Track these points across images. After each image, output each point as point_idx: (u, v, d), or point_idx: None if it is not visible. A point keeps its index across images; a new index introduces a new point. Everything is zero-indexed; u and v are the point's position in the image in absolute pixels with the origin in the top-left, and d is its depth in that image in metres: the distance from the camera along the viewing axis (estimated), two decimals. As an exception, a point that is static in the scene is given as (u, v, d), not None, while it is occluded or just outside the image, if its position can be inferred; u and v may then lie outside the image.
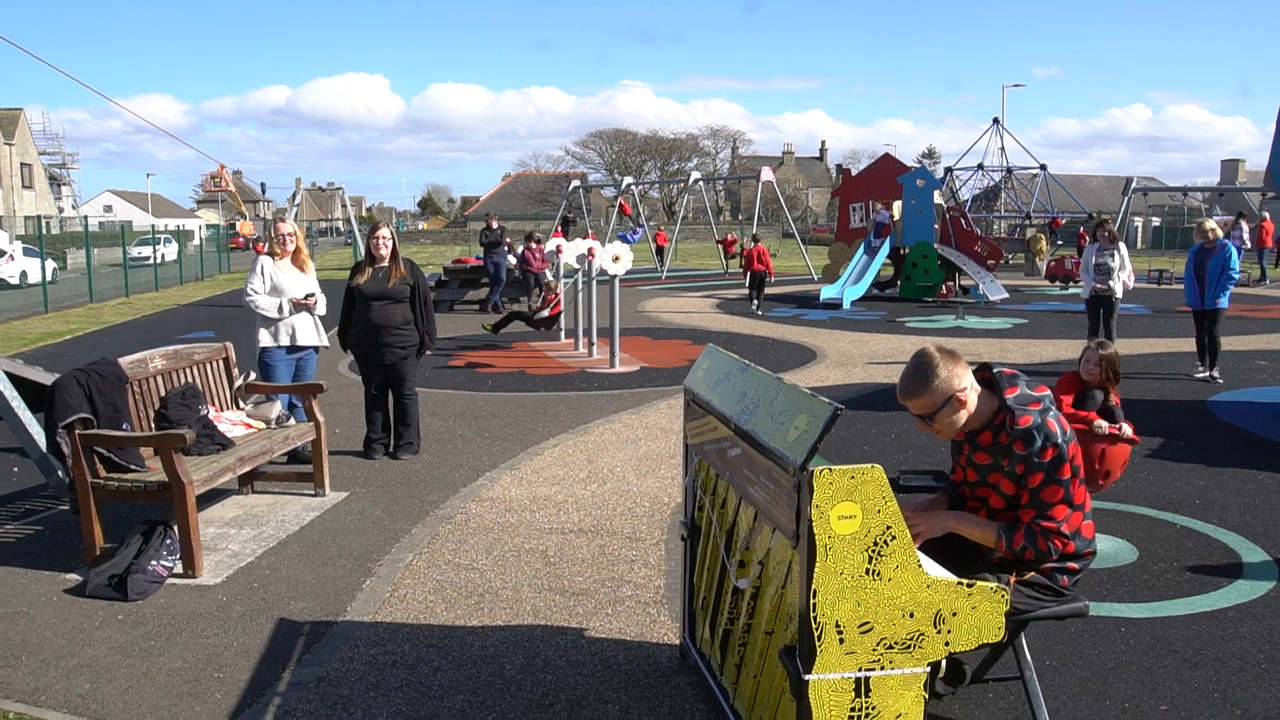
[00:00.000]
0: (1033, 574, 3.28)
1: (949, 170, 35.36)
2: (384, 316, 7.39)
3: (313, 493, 6.69)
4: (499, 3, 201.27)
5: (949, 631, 2.68)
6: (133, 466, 5.38)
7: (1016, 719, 3.58)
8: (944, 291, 20.49)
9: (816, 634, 2.60)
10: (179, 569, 5.17)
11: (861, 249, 21.48)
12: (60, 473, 5.70)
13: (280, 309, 7.08)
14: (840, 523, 2.55)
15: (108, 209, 69.22)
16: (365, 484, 7.01)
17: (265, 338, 7.13)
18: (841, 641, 2.61)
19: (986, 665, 3.76)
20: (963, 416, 3.19)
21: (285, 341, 7.16)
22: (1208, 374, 10.91)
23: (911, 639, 2.66)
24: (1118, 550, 5.44)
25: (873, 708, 2.65)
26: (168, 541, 5.17)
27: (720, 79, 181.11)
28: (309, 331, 7.27)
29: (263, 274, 7.14)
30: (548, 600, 4.85)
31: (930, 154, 79.75)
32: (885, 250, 21.24)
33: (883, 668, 2.65)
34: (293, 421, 6.73)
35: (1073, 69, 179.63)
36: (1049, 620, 3.39)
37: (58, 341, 16.19)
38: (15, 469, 7.51)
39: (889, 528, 2.59)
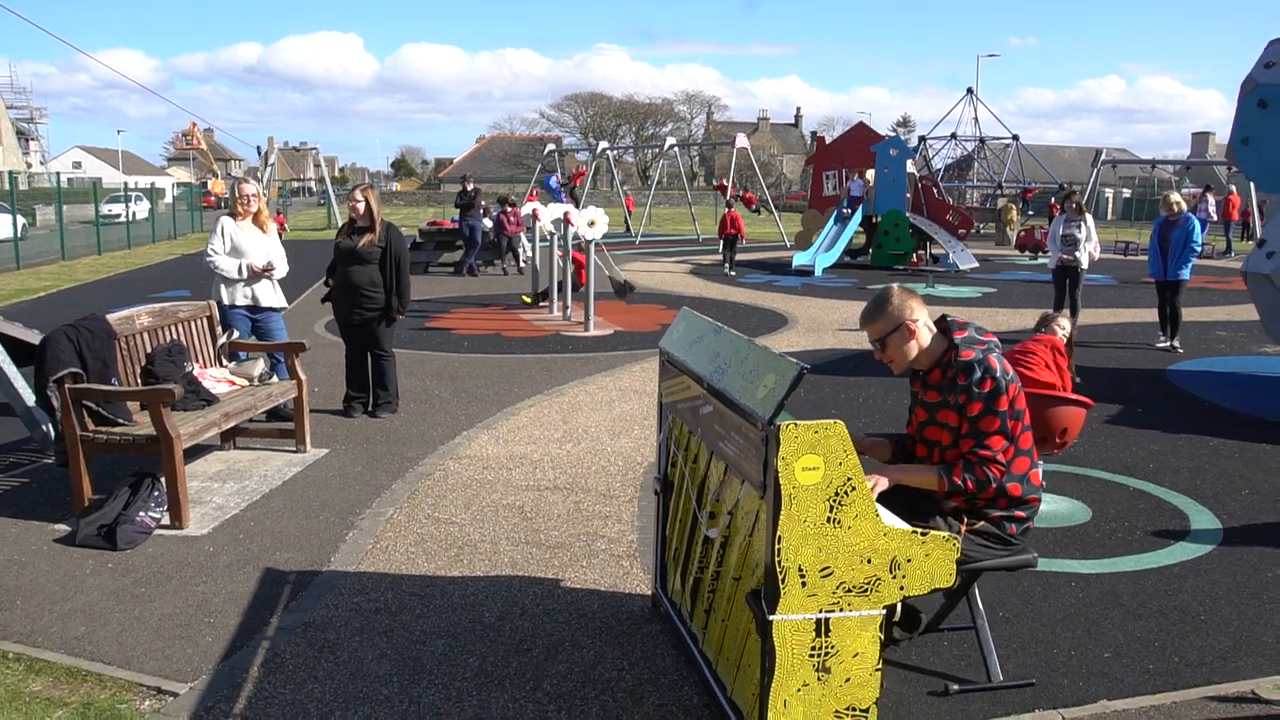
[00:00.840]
0: (982, 523, 3.50)
1: (923, 139, 35.57)
2: (354, 277, 7.50)
3: (294, 449, 6.83)
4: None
5: (904, 577, 2.88)
6: (120, 420, 5.49)
7: (969, 665, 3.80)
8: (915, 260, 20.74)
9: (780, 577, 2.79)
10: (166, 520, 5.31)
11: (834, 217, 21.67)
12: (47, 426, 5.81)
13: (240, 270, 7.17)
14: (804, 474, 2.74)
15: (77, 165, 68.19)
16: (345, 441, 7.15)
17: (225, 296, 7.21)
18: (804, 585, 2.81)
19: (942, 615, 3.99)
20: (913, 348, 3.53)
21: (240, 302, 7.26)
22: (1169, 344, 11.22)
23: (869, 583, 2.86)
24: (1072, 510, 5.69)
25: (832, 646, 2.86)
26: (155, 493, 5.30)
27: (696, 44, 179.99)
28: (268, 294, 7.37)
29: (223, 234, 7.22)
30: (525, 553, 5.04)
31: (905, 122, 79.80)
32: (858, 218, 21.45)
33: (841, 610, 2.85)
34: (275, 379, 6.84)
35: (1048, 39, 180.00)
36: (1000, 571, 3.62)
37: (32, 298, 16.13)
38: (-4, 424, 7.59)
39: (849, 479, 2.78)
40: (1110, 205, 50.15)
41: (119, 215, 32.43)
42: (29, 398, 6.09)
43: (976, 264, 20.76)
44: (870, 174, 21.83)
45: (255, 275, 7.21)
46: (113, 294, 16.48)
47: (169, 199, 44.65)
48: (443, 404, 8.40)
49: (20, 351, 7.08)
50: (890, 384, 9.08)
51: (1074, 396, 5.72)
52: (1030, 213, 32.94)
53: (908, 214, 20.95)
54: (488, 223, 20.84)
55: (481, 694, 3.63)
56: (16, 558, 4.93)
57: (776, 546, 2.77)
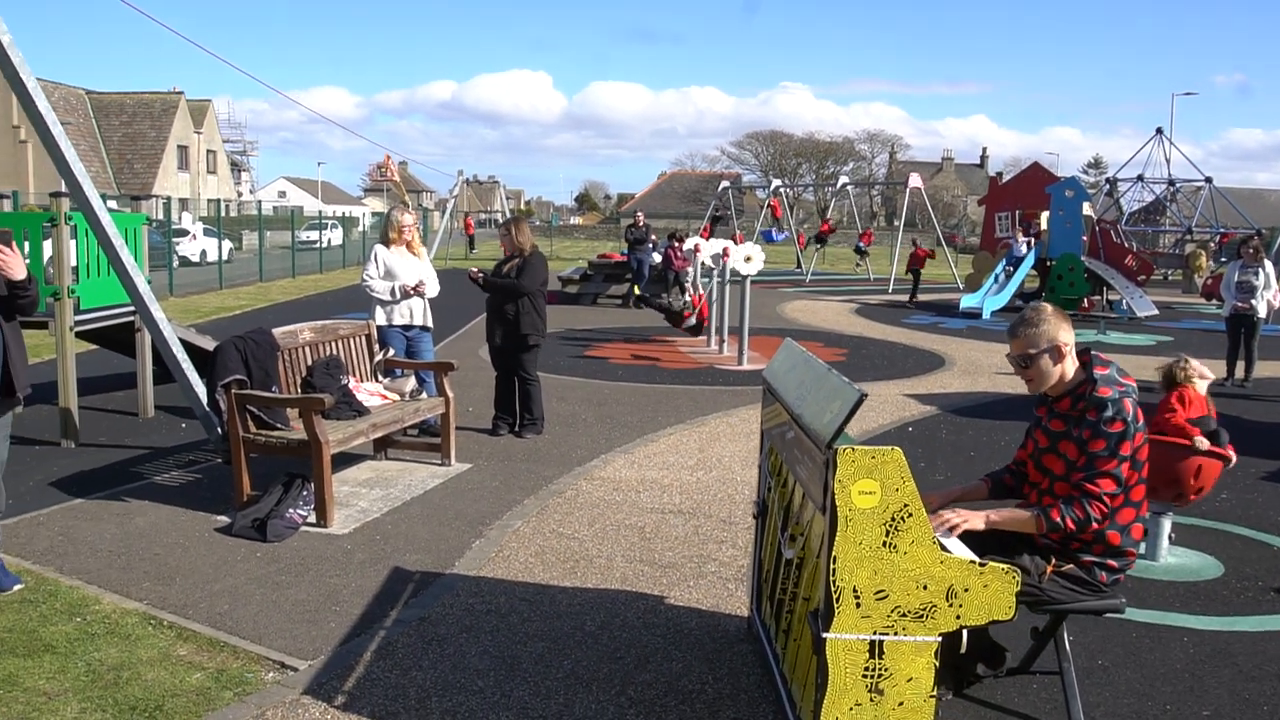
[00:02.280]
0: (1071, 566, 3.46)
1: (1111, 181, 34.01)
2: (494, 305, 7.97)
3: (439, 462, 7.27)
4: (657, 5, 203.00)
5: (960, 606, 2.92)
6: (278, 425, 6.03)
7: (1054, 709, 3.75)
8: (1086, 305, 19.90)
9: (835, 596, 2.89)
10: (312, 518, 5.79)
11: (1005, 259, 21.07)
12: (217, 427, 6.42)
13: (393, 292, 7.69)
14: (860, 497, 2.83)
15: (282, 194, 73.64)
16: (489, 458, 7.55)
17: (381, 317, 7.75)
18: (858, 605, 2.90)
19: (1032, 656, 3.93)
20: (1056, 371, 3.49)
21: (399, 322, 7.78)
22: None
23: (924, 609, 2.91)
24: (1203, 565, 5.44)
25: (885, 669, 2.92)
26: (304, 493, 5.79)
27: (882, 82, 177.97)
28: (420, 313, 7.88)
29: (376, 260, 7.78)
30: (636, 570, 5.23)
31: (1096, 163, 76.46)
32: (1030, 261, 20.78)
33: (896, 633, 2.92)
34: (424, 395, 7.32)
35: (1257, 75, 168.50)
36: (1088, 615, 3.56)
37: (229, 315, 17.60)
38: (183, 425, 8.39)
39: (906, 505, 2.85)
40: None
41: (314, 241, 34.92)
42: (206, 401, 6.75)
43: (1155, 311, 19.75)
44: (1044, 216, 21.14)
45: (407, 295, 7.73)
46: (300, 313, 17.74)
47: (362, 227, 47.64)
48: (586, 428, 8.72)
49: (201, 360, 7.82)
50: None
51: (1211, 448, 5.47)
52: (1224, 259, 30.93)
53: (1083, 258, 20.15)
54: (656, 257, 21.32)
55: (568, 694, 3.84)
56: (181, 542, 5.49)
57: (832, 566, 2.87)
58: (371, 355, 7.39)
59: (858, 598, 2.89)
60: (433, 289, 7.95)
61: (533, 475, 7.08)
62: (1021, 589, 3.37)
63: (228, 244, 33.15)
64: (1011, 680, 3.95)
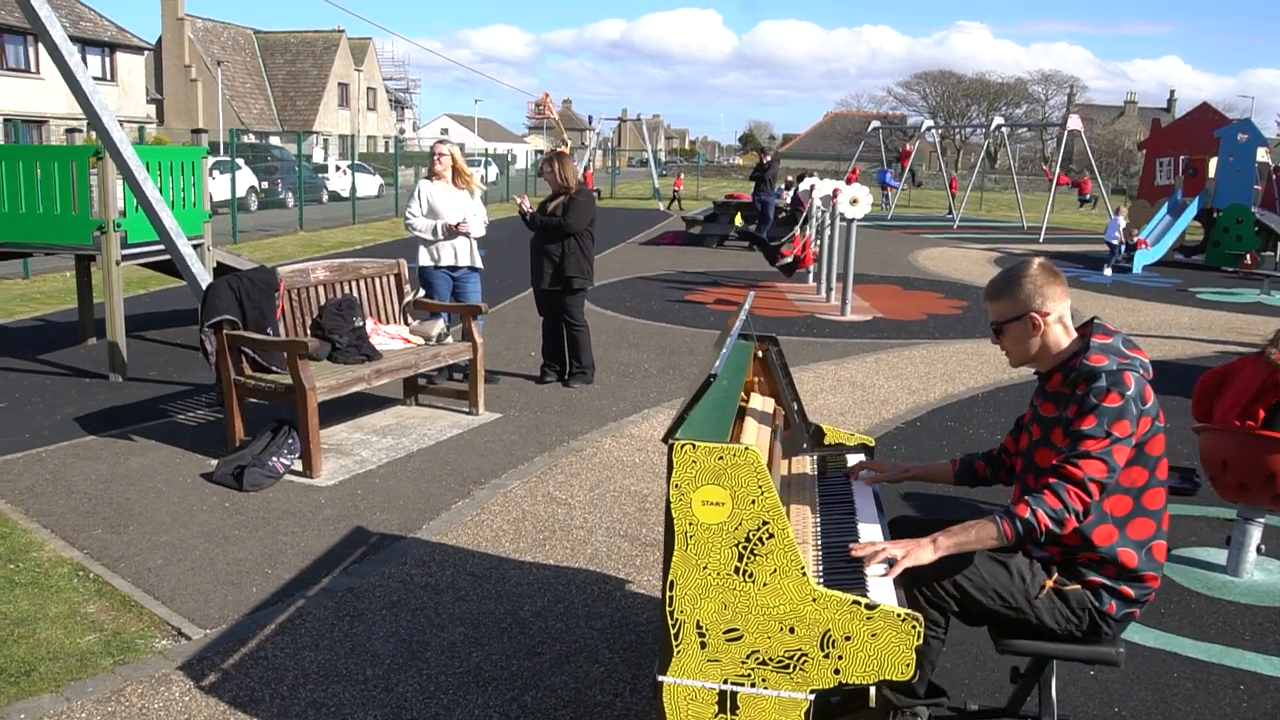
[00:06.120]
0: (1076, 587, 2.73)
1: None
2: (539, 245, 7.47)
3: (467, 411, 6.90)
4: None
5: (840, 659, 2.27)
6: (274, 369, 5.76)
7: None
8: (1249, 261, 17.75)
9: (674, 631, 2.29)
10: (298, 467, 5.51)
11: (1164, 208, 19.06)
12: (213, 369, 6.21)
13: (435, 232, 7.27)
14: (705, 509, 2.22)
15: (444, 131, 74.97)
16: (522, 408, 7.13)
17: (424, 257, 7.37)
18: (703, 646, 2.29)
19: (1017, 699, 3.21)
20: (1035, 343, 2.82)
21: (444, 261, 7.37)
22: None
23: (791, 658, 2.28)
24: (1291, 585, 4.48)
25: (740, 726, 2.31)
26: (289, 441, 5.51)
27: (1065, 22, 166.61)
28: (465, 252, 7.44)
29: (419, 197, 7.36)
30: (613, 546, 4.71)
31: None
32: (1192, 211, 18.71)
33: (754, 685, 2.30)
34: (450, 340, 6.93)
35: None
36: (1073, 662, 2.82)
37: (349, 249, 17.80)
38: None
39: (766, 524, 2.22)
40: None
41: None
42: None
43: (1339, 272, 17.45)
44: (1212, 163, 18.95)
45: (451, 234, 7.32)
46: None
47: (521, 164, 47.94)
48: (643, 379, 8.19)
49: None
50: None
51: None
52: None
53: (1254, 209, 17.99)
54: (788, 197, 20.37)
55: (456, 694, 3.39)
56: (158, 486, 5.30)
57: (669, 594, 2.27)
58: (400, 295, 7.04)
59: (702, 636, 2.29)
60: (478, 227, 7.52)
61: (558, 429, 6.62)
62: (999, 602, 2.68)
63: (378, 180, 33.85)
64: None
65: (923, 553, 2.59)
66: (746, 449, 2.20)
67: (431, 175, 7.46)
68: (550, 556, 4.58)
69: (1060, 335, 2.81)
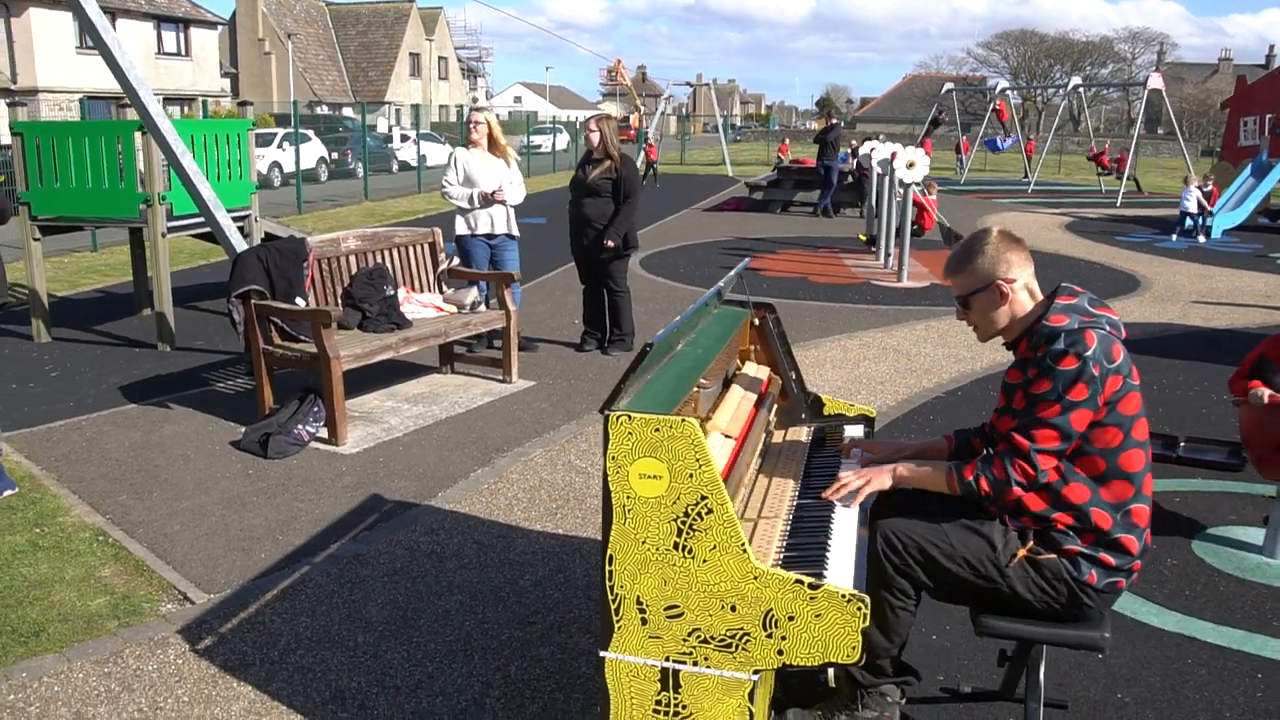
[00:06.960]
0: (1052, 556, 2.61)
1: None
2: (584, 210, 7.40)
3: (501, 379, 6.91)
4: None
5: (783, 639, 2.20)
6: (302, 338, 5.82)
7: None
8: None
9: (614, 606, 2.24)
10: (324, 435, 5.57)
11: (1248, 170, 18.15)
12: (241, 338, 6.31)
13: (471, 200, 7.25)
14: (641, 482, 2.16)
15: (517, 99, 75.26)
16: (558, 376, 7.12)
17: (461, 225, 7.36)
18: (644, 622, 2.24)
19: (1009, 682, 3.10)
20: (1003, 316, 2.73)
21: (481, 230, 7.34)
22: None
23: (733, 637, 2.22)
24: (1330, 564, 4.24)
25: (683, 706, 2.27)
26: (314, 409, 5.57)
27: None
28: (502, 220, 7.40)
29: (455, 165, 7.34)
30: (625, 517, 4.67)
31: None
32: (1278, 173, 17.76)
33: (696, 663, 2.24)
34: (483, 308, 6.93)
35: None
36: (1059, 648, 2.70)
37: (411, 217, 17.96)
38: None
39: (704, 498, 2.15)
40: None
41: (541, 146, 35.46)
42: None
43: None
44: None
45: (486, 202, 7.30)
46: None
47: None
48: (684, 348, 8.11)
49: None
50: (1213, 375, 7.43)
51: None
52: None
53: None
54: (852, 163, 19.97)
55: (441, 663, 3.39)
56: (186, 454, 5.41)
57: (609, 568, 2.22)
58: (435, 264, 7.06)
59: (643, 611, 2.24)
60: (515, 195, 7.48)
61: (590, 398, 6.59)
62: (968, 570, 2.59)
63: (448, 149, 34.11)
64: (987, 709, 3.14)
65: (883, 478, 2.73)
66: (684, 421, 2.13)
67: (468, 143, 7.44)
68: (560, 526, 4.56)
69: (1027, 301, 2.72)
